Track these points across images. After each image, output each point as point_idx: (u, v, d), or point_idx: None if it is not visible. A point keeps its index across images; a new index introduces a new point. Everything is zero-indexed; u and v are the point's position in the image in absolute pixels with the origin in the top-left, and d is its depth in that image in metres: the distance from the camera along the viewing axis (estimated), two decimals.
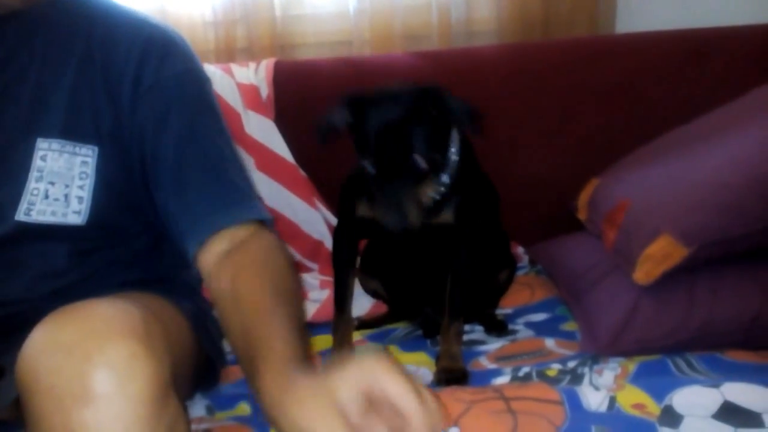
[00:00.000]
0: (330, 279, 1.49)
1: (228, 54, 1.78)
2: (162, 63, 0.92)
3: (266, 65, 1.64)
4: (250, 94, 1.60)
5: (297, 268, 0.99)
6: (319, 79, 1.64)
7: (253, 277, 0.80)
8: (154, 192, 0.91)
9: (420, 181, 1.01)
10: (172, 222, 0.90)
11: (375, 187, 1.01)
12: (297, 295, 0.84)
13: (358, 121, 1.02)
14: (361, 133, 1.02)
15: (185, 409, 0.96)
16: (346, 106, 1.04)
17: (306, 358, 0.70)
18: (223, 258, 0.85)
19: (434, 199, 1.07)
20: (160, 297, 0.94)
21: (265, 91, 1.61)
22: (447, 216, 1.10)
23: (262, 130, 1.59)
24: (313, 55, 1.77)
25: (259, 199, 0.96)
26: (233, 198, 0.90)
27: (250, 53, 1.78)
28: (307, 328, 0.87)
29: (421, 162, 0.98)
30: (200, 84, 0.97)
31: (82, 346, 0.64)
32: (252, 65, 1.65)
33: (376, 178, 1.00)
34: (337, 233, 1.23)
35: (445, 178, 1.08)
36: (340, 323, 1.19)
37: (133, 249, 0.96)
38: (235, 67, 1.65)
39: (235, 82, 1.61)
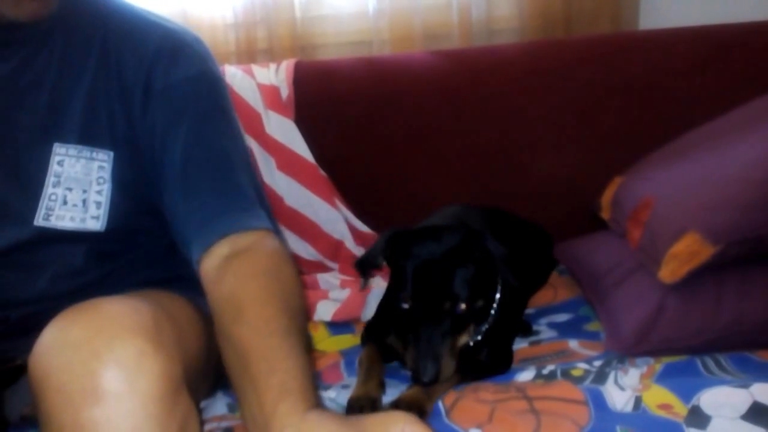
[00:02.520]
0: (350, 278, 1.50)
1: (249, 55, 1.79)
2: (173, 66, 0.91)
3: (286, 66, 1.65)
4: (270, 94, 1.61)
5: (302, 281, 0.97)
6: (339, 80, 1.64)
7: (259, 289, 0.75)
8: (163, 195, 0.90)
9: (458, 329, 0.95)
10: (178, 225, 0.88)
11: (410, 328, 0.96)
12: (304, 312, 0.81)
13: (399, 256, 0.98)
14: (399, 269, 0.97)
15: (198, 407, 0.97)
16: (388, 241, 1.01)
17: (319, 401, 0.68)
18: (224, 262, 0.80)
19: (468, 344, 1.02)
20: (177, 295, 0.94)
21: (286, 91, 1.61)
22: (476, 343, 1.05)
23: (283, 130, 1.59)
24: (333, 56, 1.77)
25: (267, 208, 0.94)
26: (239, 204, 0.87)
27: (271, 54, 1.79)
28: (312, 351, 0.83)
29: (462, 309, 0.93)
30: (213, 87, 0.95)
31: (91, 344, 0.64)
32: (272, 66, 1.66)
33: (411, 319, 0.95)
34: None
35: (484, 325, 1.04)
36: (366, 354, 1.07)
37: (152, 249, 0.97)
38: (255, 68, 1.65)
39: (255, 82, 1.62)
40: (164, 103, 0.90)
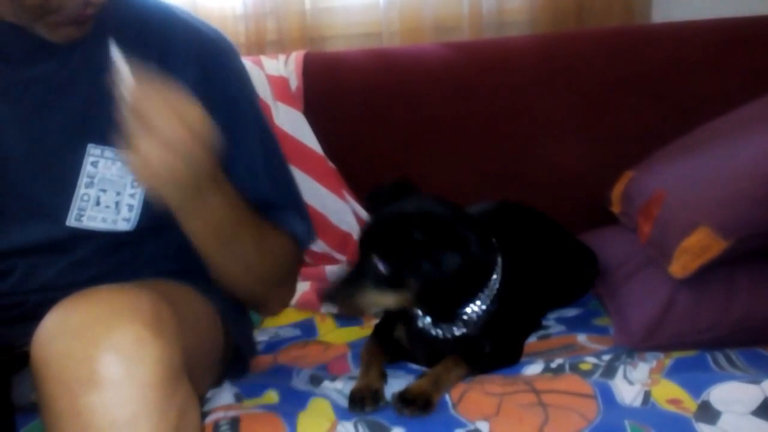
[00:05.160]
0: None
1: (258, 46, 1.79)
2: (216, 82, 0.93)
3: (296, 57, 1.64)
4: (279, 85, 1.61)
5: (296, 258, 1.03)
6: (349, 71, 1.63)
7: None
8: None
9: (376, 285, 0.95)
10: None
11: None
12: (276, 255, 0.94)
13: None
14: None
15: (203, 397, 0.97)
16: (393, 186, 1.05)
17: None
18: None
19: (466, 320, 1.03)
20: (186, 286, 0.95)
21: (295, 82, 1.61)
22: (473, 330, 1.04)
23: (291, 121, 1.59)
24: (342, 47, 1.77)
25: (301, 210, 1.02)
26: (272, 214, 0.95)
27: (280, 46, 1.79)
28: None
29: (382, 267, 0.94)
30: (250, 101, 0.99)
31: (89, 330, 0.65)
32: (282, 57, 1.66)
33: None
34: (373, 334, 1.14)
35: (481, 303, 1.03)
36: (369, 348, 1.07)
37: (169, 243, 0.97)
38: (265, 59, 1.65)
39: (264, 74, 1.62)
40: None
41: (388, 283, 0.95)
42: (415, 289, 0.95)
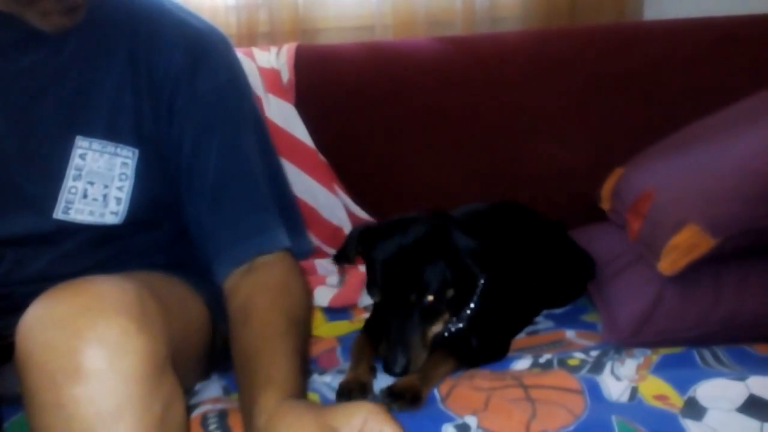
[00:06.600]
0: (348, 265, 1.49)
1: (249, 38, 1.78)
2: (202, 74, 0.91)
3: (288, 49, 1.63)
4: (271, 78, 1.60)
5: (311, 296, 1.01)
6: (341, 64, 1.63)
7: (268, 299, 0.83)
8: (187, 203, 0.92)
9: (429, 320, 0.97)
10: (201, 237, 0.92)
11: (383, 321, 0.99)
12: (307, 325, 0.88)
13: (369, 251, 1.01)
14: (370, 263, 1.01)
15: (191, 389, 0.97)
16: (360, 236, 1.04)
17: (302, 394, 0.75)
18: (241, 277, 0.88)
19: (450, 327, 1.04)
20: (174, 279, 0.94)
21: (286, 75, 1.60)
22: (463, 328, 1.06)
23: (283, 114, 1.58)
24: (334, 40, 1.76)
25: (295, 213, 0.99)
26: (263, 224, 0.91)
27: (272, 38, 1.78)
28: (308, 363, 0.90)
29: (430, 300, 0.95)
30: (241, 96, 0.96)
31: (73, 322, 0.64)
32: (273, 49, 1.65)
33: (383, 311, 0.99)
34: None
35: (467, 309, 1.05)
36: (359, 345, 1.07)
37: (158, 236, 0.97)
38: (256, 51, 1.64)
39: (256, 66, 1.61)
40: (194, 111, 0.91)
41: (433, 314, 0.97)
42: (453, 303, 0.98)
